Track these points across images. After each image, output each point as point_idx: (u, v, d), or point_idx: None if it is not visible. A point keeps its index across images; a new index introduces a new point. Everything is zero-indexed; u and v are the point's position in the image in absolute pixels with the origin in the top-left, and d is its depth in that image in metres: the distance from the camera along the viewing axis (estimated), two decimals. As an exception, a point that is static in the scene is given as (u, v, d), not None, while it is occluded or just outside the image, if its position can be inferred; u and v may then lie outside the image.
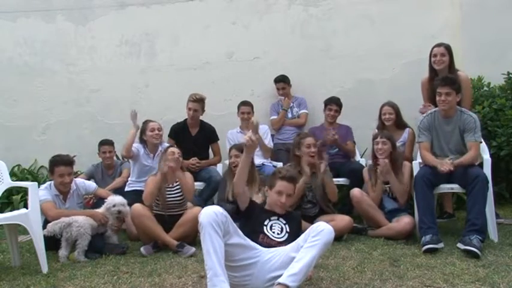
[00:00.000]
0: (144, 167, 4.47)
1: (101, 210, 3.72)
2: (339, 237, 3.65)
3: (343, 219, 3.69)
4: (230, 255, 2.28)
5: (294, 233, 2.62)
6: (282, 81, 5.32)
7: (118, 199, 3.72)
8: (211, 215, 2.21)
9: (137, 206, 3.64)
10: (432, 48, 4.08)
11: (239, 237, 2.34)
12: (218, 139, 4.96)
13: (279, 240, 2.60)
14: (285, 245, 2.53)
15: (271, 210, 2.73)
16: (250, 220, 2.64)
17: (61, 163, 3.76)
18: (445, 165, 3.38)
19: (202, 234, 2.21)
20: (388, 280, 2.64)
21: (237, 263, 2.33)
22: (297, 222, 2.79)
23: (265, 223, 2.65)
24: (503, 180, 4.65)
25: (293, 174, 2.85)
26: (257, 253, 2.39)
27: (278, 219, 2.70)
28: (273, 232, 2.63)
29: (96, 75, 5.88)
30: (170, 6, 5.78)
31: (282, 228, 2.66)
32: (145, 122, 4.61)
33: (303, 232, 2.44)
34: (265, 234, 2.60)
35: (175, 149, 3.88)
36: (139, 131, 4.55)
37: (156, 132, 4.50)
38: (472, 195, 3.32)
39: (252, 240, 2.46)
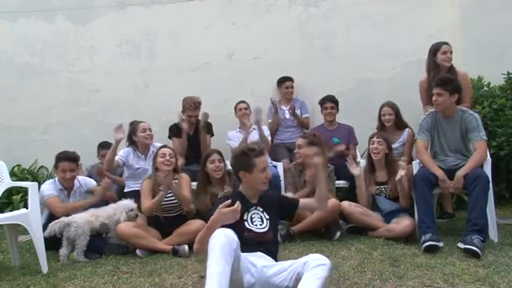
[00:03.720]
0: (137, 169, 4.36)
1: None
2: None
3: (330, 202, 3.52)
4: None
5: (274, 215, 2.58)
6: (291, 80, 5.36)
7: (133, 204, 3.70)
8: (225, 241, 2.10)
9: (121, 227, 3.52)
10: (438, 46, 4.05)
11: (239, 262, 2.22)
12: (213, 134, 5.02)
13: (263, 231, 2.50)
14: (272, 233, 2.50)
15: (246, 200, 2.56)
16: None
17: (65, 159, 3.84)
18: (447, 183, 3.43)
19: (211, 257, 2.08)
20: (388, 280, 2.64)
21: None
22: (270, 201, 2.64)
23: (245, 218, 2.51)
24: (503, 180, 4.64)
25: (259, 144, 2.69)
26: (254, 274, 2.30)
27: (256, 208, 2.57)
28: (255, 225, 2.51)
29: (96, 75, 5.87)
30: (170, 6, 5.78)
31: (261, 218, 2.55)
32: (134, 123, 4.48)
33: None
34: (250, 230, 2.48)
35: (166, 150, 3.75)
36: (127, 133, 4.41)
37: (148, 132, 4.38)
38: (473, 196, 3.31)
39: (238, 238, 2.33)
